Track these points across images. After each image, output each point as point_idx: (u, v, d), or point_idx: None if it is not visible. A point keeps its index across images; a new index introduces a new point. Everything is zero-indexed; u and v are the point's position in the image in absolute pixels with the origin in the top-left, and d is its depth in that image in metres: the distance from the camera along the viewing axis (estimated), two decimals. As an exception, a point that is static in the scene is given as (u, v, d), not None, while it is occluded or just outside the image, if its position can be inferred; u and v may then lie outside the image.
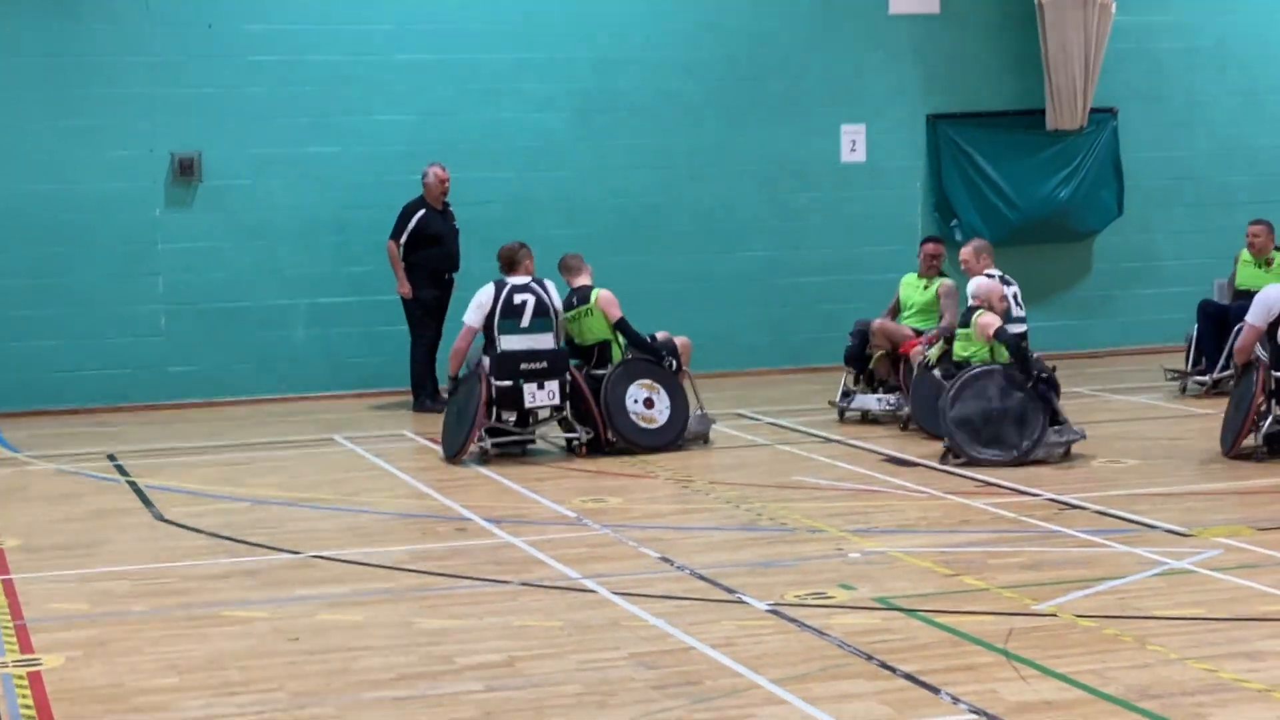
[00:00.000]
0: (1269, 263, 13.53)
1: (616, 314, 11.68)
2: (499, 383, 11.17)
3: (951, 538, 8.72)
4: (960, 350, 11.20)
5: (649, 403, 11.60)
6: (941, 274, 12.99)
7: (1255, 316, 10.64)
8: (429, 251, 13.80)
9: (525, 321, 11.32)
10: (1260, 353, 10.66)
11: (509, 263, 11.65)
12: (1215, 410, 11.82)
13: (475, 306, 11.48)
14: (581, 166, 15.43)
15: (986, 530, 8.87)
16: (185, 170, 14.57)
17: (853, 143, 16.11)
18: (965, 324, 11.23)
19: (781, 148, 15.89)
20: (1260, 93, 16.86)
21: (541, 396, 11.25)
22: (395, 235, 13.82)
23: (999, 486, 10.00)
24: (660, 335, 11.88)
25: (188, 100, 14.58)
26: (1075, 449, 10.92)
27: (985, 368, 10.87)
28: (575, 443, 11.43)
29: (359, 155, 14.91)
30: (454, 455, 11.27)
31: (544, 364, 11.26)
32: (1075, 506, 9.34)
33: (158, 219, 14.64)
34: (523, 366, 11.22)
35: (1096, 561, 8.09)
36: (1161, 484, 9.97)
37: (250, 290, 14.83)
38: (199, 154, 14.62)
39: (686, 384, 11.86)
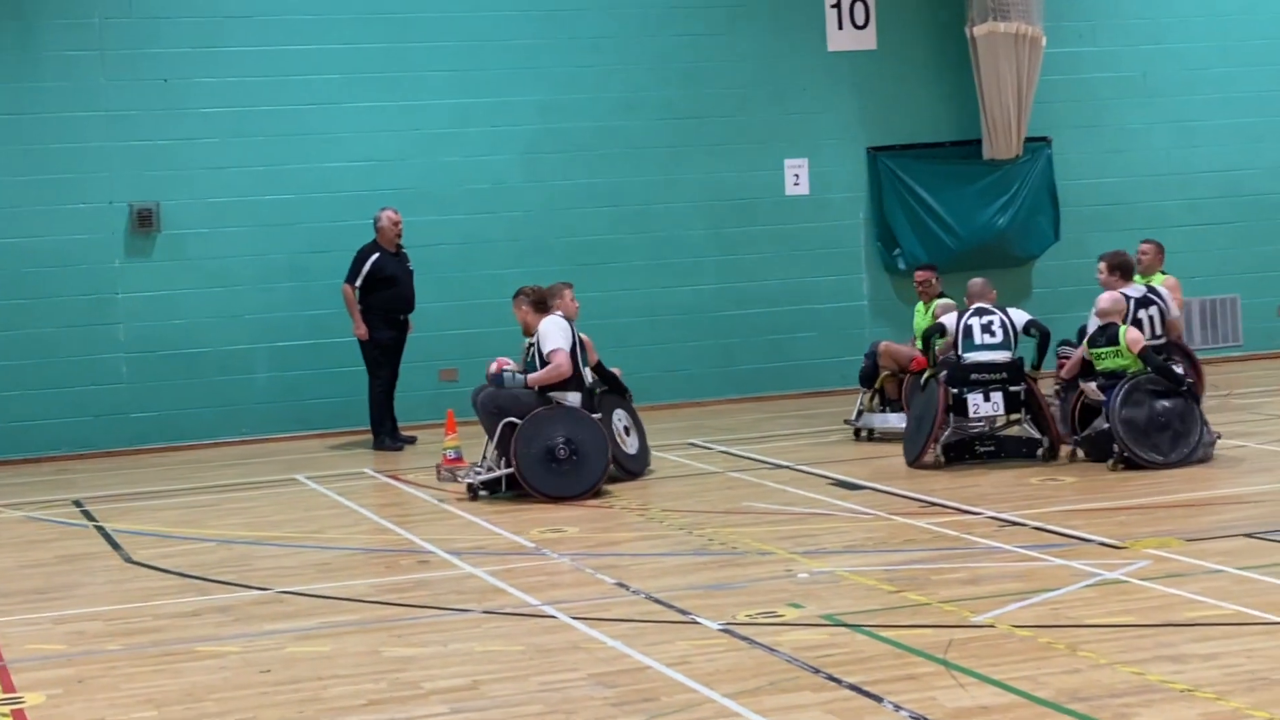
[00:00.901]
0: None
1: (595, 357, 12.05)
2: (595, 415, 11.45)
3: (896, 556, 9.08)
4: (1108, 364, 11.49)
5: (627, 430, 12.09)
6: (940, 295, 13.51)
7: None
8: (384, 293, 14.10)
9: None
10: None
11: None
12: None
13: (563, 335, 11.42)
14: (531, 206, 15.81)
15: (930, 548, 9.23)
16: (144, 221, 14.87)
17: (796, 176, 16.53)
18: (1114, 341, 11.49)
19: (726, 182, 16.31)
20: (1188, 120, 17.38)
21: None
22: (350, 278, 14.12)
23: (942, 506, 10.38)
24: None
25: (145, 153, 14.91)
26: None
27: (1144, 376, 11.29)
28: None
29: (313, 202, 15.26)
30: (587, 491, 11.24)
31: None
32: (1015, 523, 9.72)
33: (118, 269, 14.93)
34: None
35: (1033, 575, 8.45)
36: (1098, 500, 10.37)
37: (211, 336, 15.12)
38: (157, 204, 14.93)
39: None
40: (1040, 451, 11.73)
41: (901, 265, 16.60)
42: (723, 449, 13.35)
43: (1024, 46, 16.38)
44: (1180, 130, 17.39)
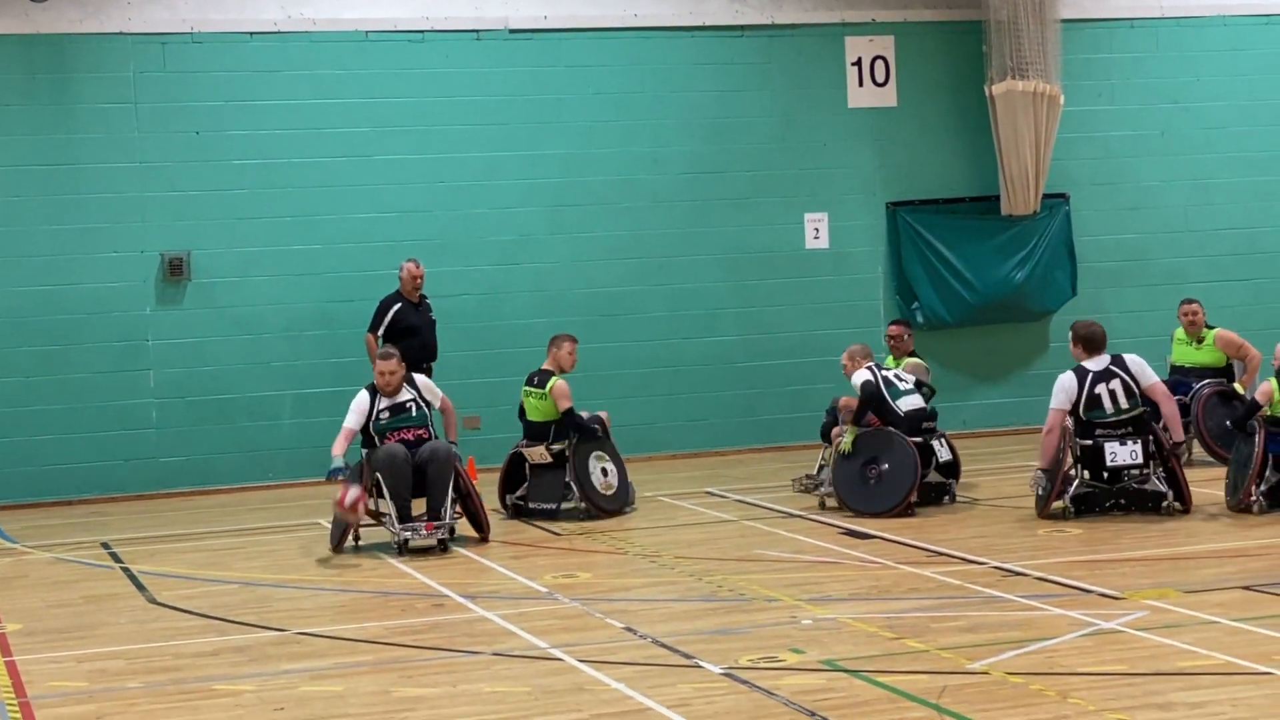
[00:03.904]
0: (1200, 340, 14.13)
1: (566, 405, 12.48)
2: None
3: (899, 604, 9.26)
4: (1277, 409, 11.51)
5: (605, 471, 12.57)
6: (911, 354, 13.68)
7: (1056, 402, 11.68)
8: (406, 343, 14.28)
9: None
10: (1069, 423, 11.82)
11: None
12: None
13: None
14: (554, 258, 16.08)
15: (933, 597, 9.41)
16: (175, 269, 15.19)
17: (816, 230, 16.78)
18: None
19: (747, 236, 16.57)
20: (1205, 178, 17.57)
21: None
22: (373, 328, 14.43)
23: (948, 556, 10.56)
24: (584, 414, 12.72)
25: (177, 203, 15.25)
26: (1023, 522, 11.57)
27: None
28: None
29: (340, 252, 15.56)
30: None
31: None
32: (1018, 573, 9.90)
33: (149, 316, 15.25)
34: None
35: (1031, 624, 8.62)
36: (1101, 551, 10.54)
37: (238, 383, 15.42)
38: (188, 253, 15.25)
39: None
40: (946, 499, 12.54)
41: (920, 319, 16.80)
42: (739, 498, 13.56)
43: (1042, 104, 16.60)
44: (1198, 188, 17.58)
